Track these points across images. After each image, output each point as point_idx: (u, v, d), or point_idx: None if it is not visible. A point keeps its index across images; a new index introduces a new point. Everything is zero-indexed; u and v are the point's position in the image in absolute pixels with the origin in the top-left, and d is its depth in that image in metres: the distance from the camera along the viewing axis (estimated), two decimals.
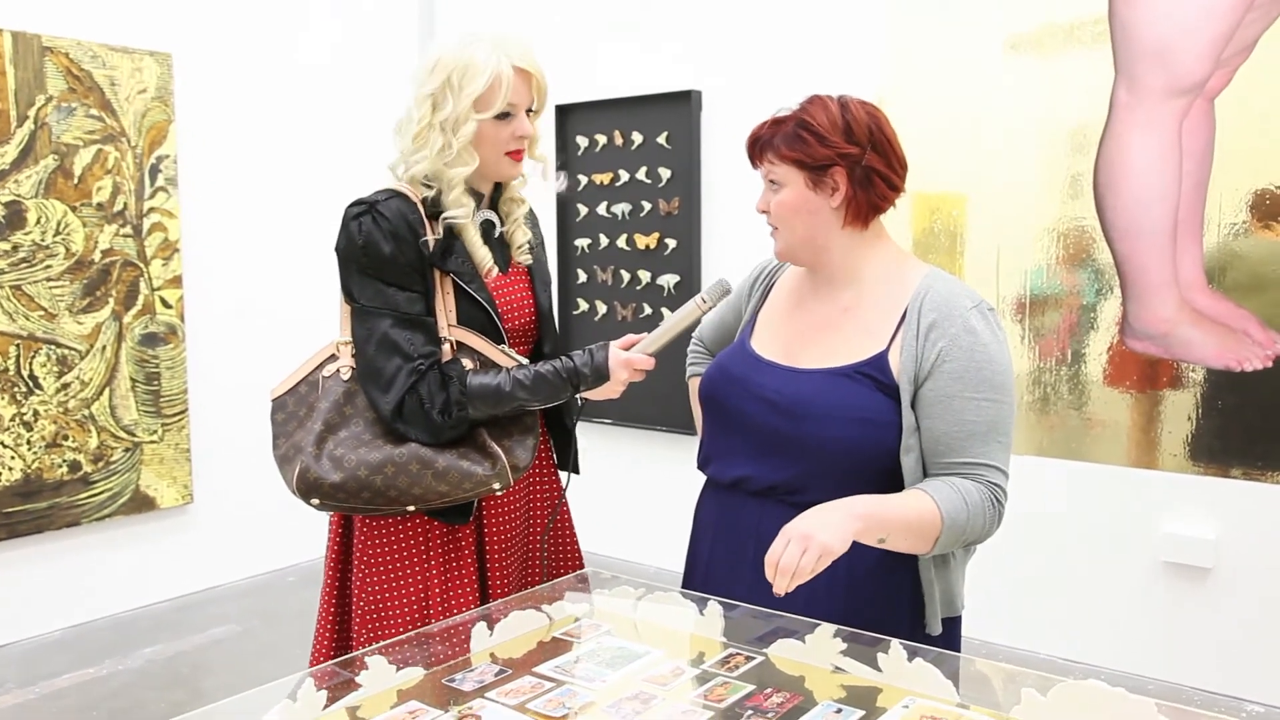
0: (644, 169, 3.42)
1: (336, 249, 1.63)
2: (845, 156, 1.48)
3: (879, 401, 1.47)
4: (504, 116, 1.63)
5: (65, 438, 3.00)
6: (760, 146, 1.52)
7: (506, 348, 1.66)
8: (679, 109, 3.32)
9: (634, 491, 3.34)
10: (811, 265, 1.58)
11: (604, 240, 3.54)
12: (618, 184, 3.48)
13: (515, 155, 1.67)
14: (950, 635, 1.55)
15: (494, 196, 1.75)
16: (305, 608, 3.38)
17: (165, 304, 3.20)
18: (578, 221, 3.61)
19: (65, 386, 2.99)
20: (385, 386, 1.59)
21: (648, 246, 3.44)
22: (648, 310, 3.45)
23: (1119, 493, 2.62)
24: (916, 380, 1.46)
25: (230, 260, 3.41)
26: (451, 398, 1.58)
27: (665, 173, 3.38)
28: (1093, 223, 2.64)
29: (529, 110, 1.66)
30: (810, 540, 1.30)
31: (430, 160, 1.61)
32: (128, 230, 3.11)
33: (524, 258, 1.76)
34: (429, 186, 1.64)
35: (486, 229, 1.71)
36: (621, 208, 3.48)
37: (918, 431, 1.46)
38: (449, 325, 1.63)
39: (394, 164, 1.68)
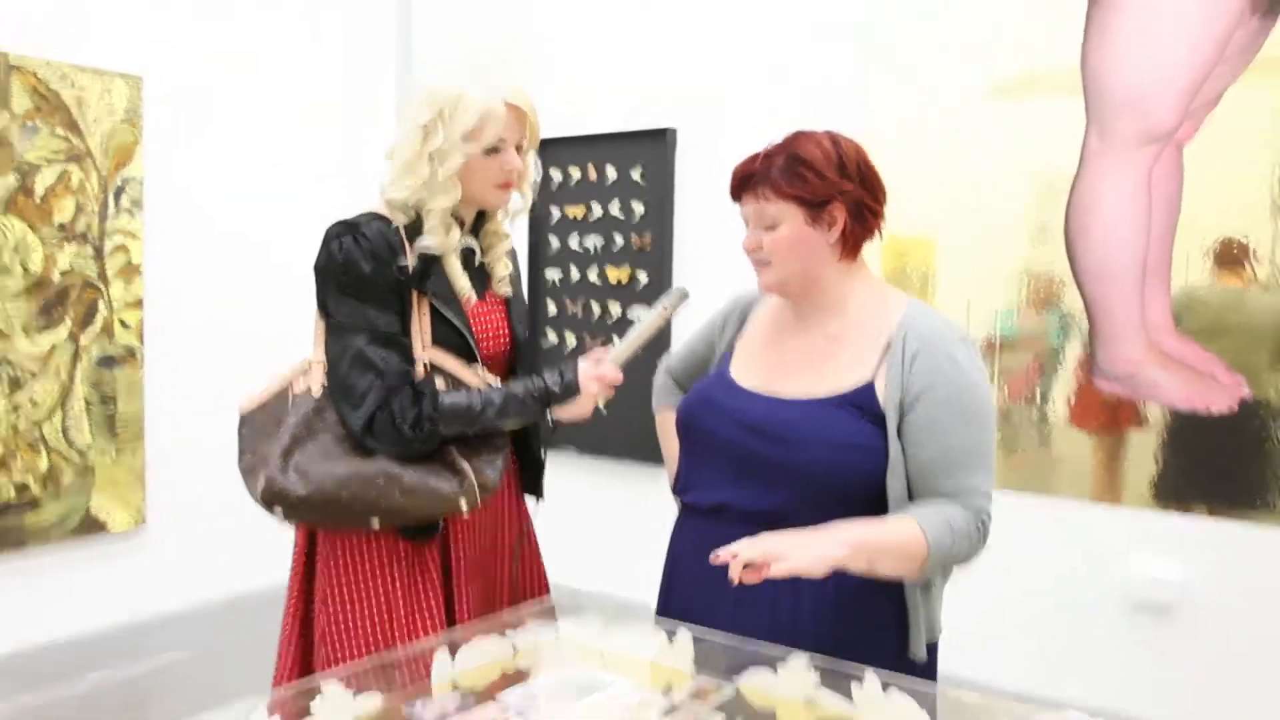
0: (617, 203, 3.42)
1: (315, 267, 1.63)
2: (843, 192, 1.49)
3: (863, 428, 1.47)
4: (493, 151, 1.64)
5: (14, 459, 2.91)
6: (753, 182, 1.51)
7: (480, 369, 1.65)
8: (654, 146, 3.32)
9: (595, 521, 3.30)
10: (800, 297, 1.58)
11: (575, 273, 3.52)
12: (590, 218, 3.47)
13: (504, 186, 1.68)
14: (930, 660, 1.53)
15: (475, 225, 1.75)
16: (259, 634, 3.29)
17: (124, 325, 3.14)
18: (549, 254, 3.59)
19: (16, 407, 2.91)
20: (356, 402, 1.57)
21: (619, 280, 3.43)
22: (618, 343, 3.42)
23: (1085, 531, 2.62)
24: (902, 408, 1.47)
25: (193, 284, 3.35)
26: (424, 413, 1.57)
27: (638, 208, 3.37)
28: (1060, 268, 2.66)
29: (520, 146, 1.68)
30: (781, 557, 1.29)
31: (414, 189, 1.63)
32: (89, 251, 3.05)
33: (504, 289, 1.77)
34: (408, 214, 1.64)
35: (466, 255, 1.71)
36: (594, 241, 3.47)
37: (903, 459, 1.46)
38: (424, 346, 1.62)
39: (383, 187, 1.68)
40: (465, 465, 1.60)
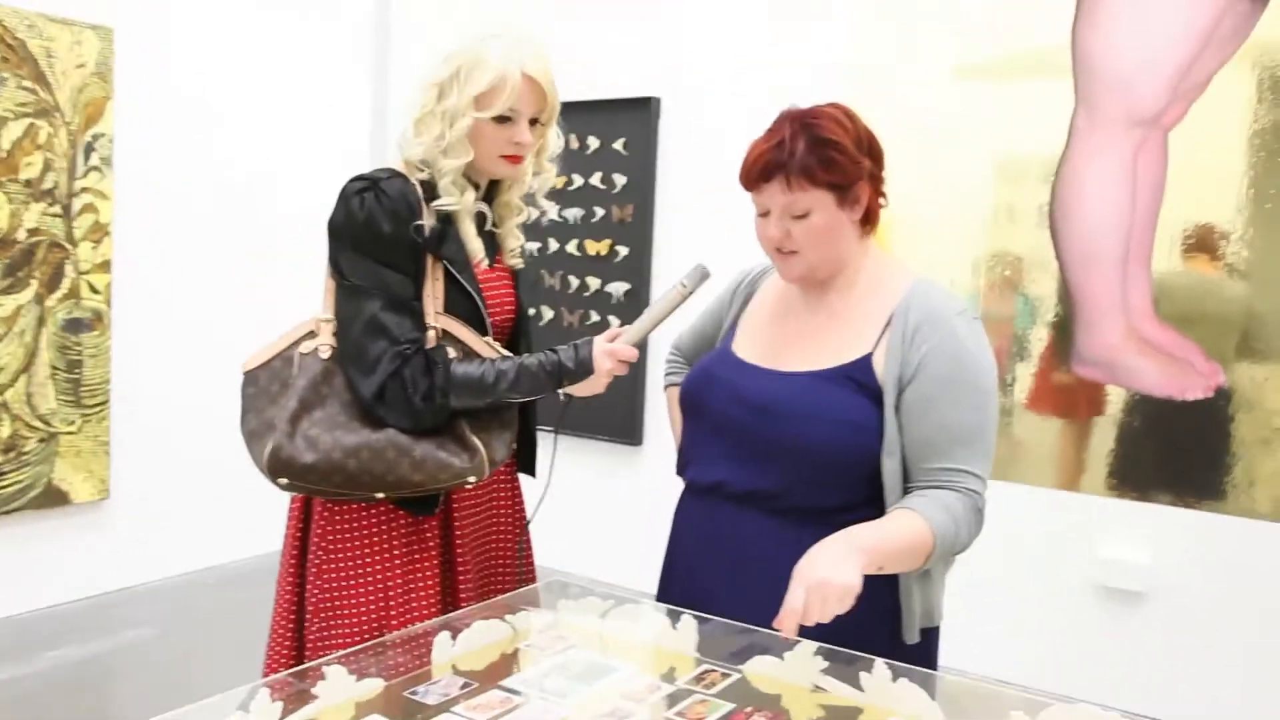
0: (598, 174, 3.37)
1: (331, 223, 1.58)
2: (868, 172, 1.48)
3: (860, 404, 1.46)
4: (505, 120, 1.60)
5: None
6: (782, 172, 1.44)
7: (491, 340, 1.62)
8: (638, 115, 3.28)
9: (581, 503, 3.28)
10: (826, 278, 1.56)
11: (554, 245, 3.48)
12: (570, 188, 3.43)
13: (511, 159, 1.64)
14: (928, 646, 1.53)
15: (489, 192, 1.72)
16: (226, 611, 3.25)
17: (93, 289, 3.05)
18: (528, 225, 3.53)
19: None
20: (369, 369, 1.53)
21: (598, 253, 3.39)
22: (595, 317, 3.40)
23: (1052, 517, 2.64)
24: (900, 384, 1.45)
25: (164, 247, 3.26)
26: (436, 384, 1.54)
27: (620, 179, 3.33)
28: (1026, 253, 2.67)
29: (535, 120, 1.64)
30: (829, 586, 1.27)
31: (427, 147, 1.59)
32: (56, 210, 2.95)
33: (514, 260, 1.75)
34: (425, 171, 1.60)
35: (478, 221, 1.68)
36: (573, 213, 3.43)
37: (900, 436, 1.45)
38: (436, 313, 1.59)
39: (399, 143, 1.65)
40: (476, 440, 1.57)
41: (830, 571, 1.28)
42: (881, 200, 1.54)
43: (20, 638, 2.92)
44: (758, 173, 1.47)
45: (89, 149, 3.01)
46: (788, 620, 1.27)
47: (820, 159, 1.43)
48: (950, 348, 1.45)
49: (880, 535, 1.37)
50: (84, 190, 3.01)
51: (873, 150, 1.51)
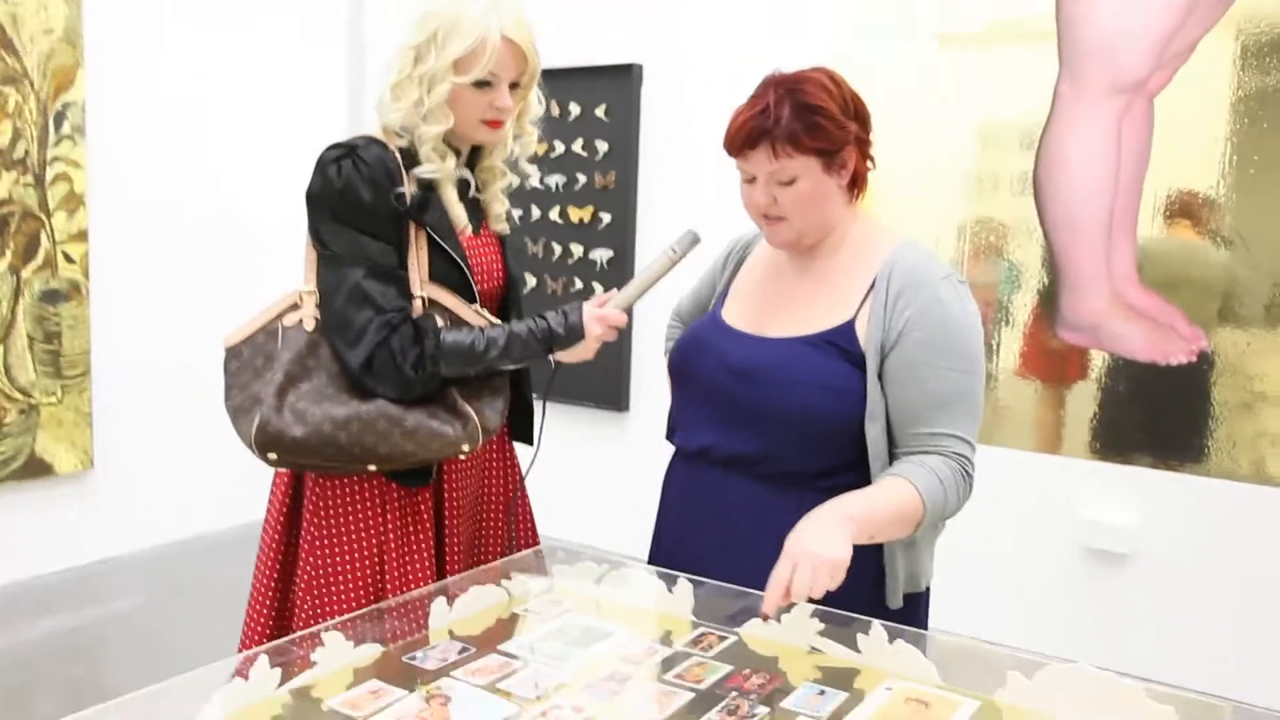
0: (580, 141, 3.35)
1: (309, 192, 1.55)
2: (854, 136, 1.47)
3: (843, 369, 1.46)
4: (484, 85, 1.56)
5: None
6: (768, 139, 1.43)
7: (479, 307, 1.60)
8: (619, 82, 3.25)
9: (568, 470, 3.28)
10: (814, 244, 1.55)
11: (536, 212, 3.45)
12: (552, 155, 3.40)
13: (492, 124, 1.61)
14: (914, 610, 1.54)
15: (471, 159, 1.69)
16: (212, 579, 3.23)
17: (69, 259, 3.00)
18: (510, 192, 3.51)
19: None
20: (354, 340, 1.51)
21: (581, 220, 3.37)
22: (579, 284, 3.38)
23: (1037, 481, 2.66)
24: (883, 349, 1.45)
25: (140, 215, 3.21)
26: (425, 352, 1.52)
27: (602, 146, 3.31)
28: (1009, 219, 2.67)
29: (515, 84, 1.61)
30: (819, 560, 1.27)
31: (405, 113, 1.56)
32: (29, 179, 2.90)
33: (500, 226, 1.72)
34: (404, 137, 1.57)
35: (462, 188, 1.65)
36: (555, 180, 3.40)
37: (884, 401, 1.45)
38: (421, 281, 1.56)
39: (377, 108, 1.61)
40: (468, 408, 1.56)
41: (820, 545, 1.28)
42: (869, 164, 1.53)
43: (5, 609, 2.90)
44: (743, 139, 1.45)
45: (60, 117, 2.96)
46: (771, 595, 1.27)
47: (806, 125, 1.42)
48: (934, 312, 1.44)
49: (870, 504, 1.37)
50: (56, 159, 2.96)
51: (859, 114, 1.49)
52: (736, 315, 1.59)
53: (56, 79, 2.95)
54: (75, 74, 2.99)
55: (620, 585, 1.55)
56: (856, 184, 1.53)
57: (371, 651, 1.31)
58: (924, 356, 1.43)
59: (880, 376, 1.44)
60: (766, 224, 1.51)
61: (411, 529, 1.62)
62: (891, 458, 1.46)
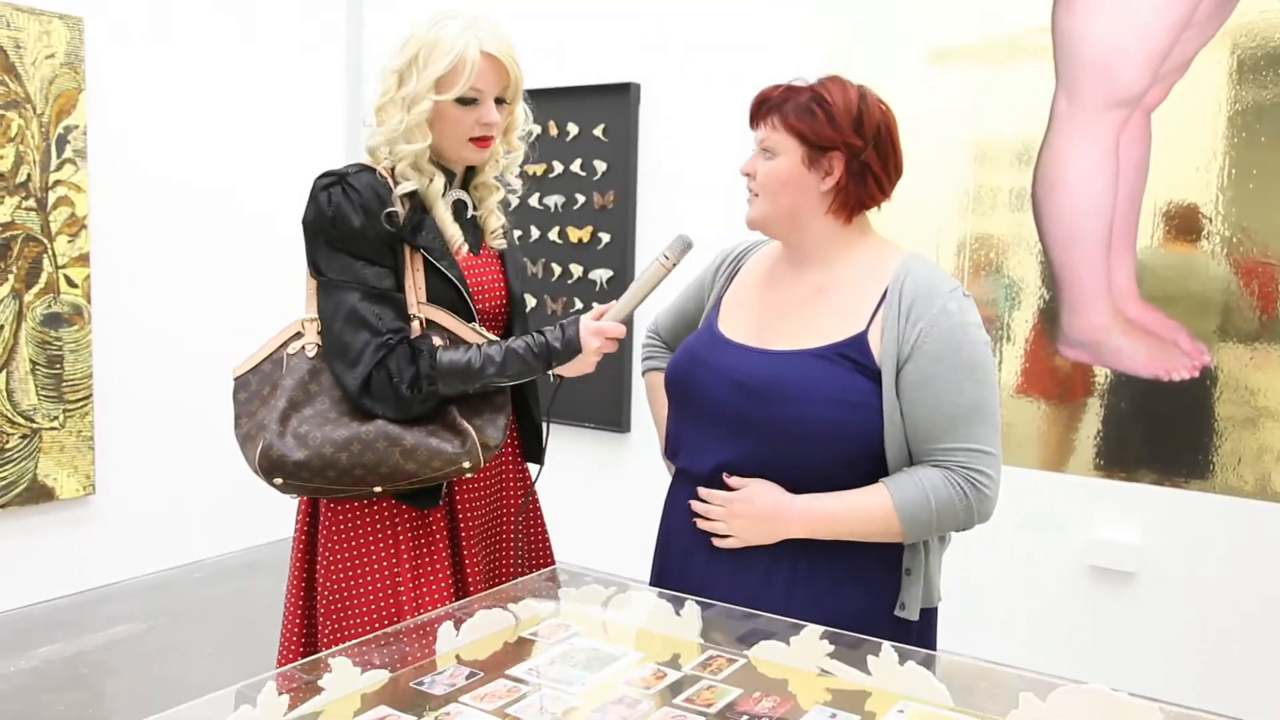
0: (579, 161, 3.36)
1: (304, 221, 1.56)
2: (848, 145, 1.46)
3: (859, 383, 1.44)
4: (468, 102, 1.57)
5: None
6: (766, 109, 1.48)
7: (477, 325, 1.60)
8: (617, 101, 3.27)
9: (570, 491, 3.27)
10: (782, 240, 1.55)
11: (535, 232, 3.46)
12: (551, 175, 3.41)
13: (479, 142, 1.61)
14: (928, 626, 1.53)
15: (466, 178, 1.69)
16: (214, 605, 3.23)
17: (70, 283, 3.01)
18: (509, 213, 3.52)
19: None
20: (352, 362, 1.51)
21: (580, 240, 3.38)
22: (579, 304, 3.39)
23: (1042, 499, 2.66)
24: (899, 361, 1.44)
25: (141, 239, 3.22)
26: (421, 372, 1.52)
27: (601, 165, 3.32)
28: (1005, 236, 2.68)
29: (500, 100, 1.61)
30: (749, 528, 1.45)
31: (387, 136, 1.56)
32: (31, 203, 2.91)
33: (498, 242, 1.72)
34: (389, 159, 1.59)
35: (458, 209, 1.65)
36: (555, 200, 3.41)
37: (901, 415, 1.44)
38: (418, 302, 1.57)
39: (365, 136, 1.62)
40: (467, 425, 1.55)
41: (747, 527, 1.46)
42: (871, 192, 1.51)
43: (8, 634, 2.90)
44: (753, 108, 1.51)
45: (62, 141, 2.97)
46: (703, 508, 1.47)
47: (798, 105, 1.45)
48: (945, 325, 1.43)
49: (829, 506, 1.44)
50: (58, 183, 2.97)
51: (878, 142, 1.48)
52: (734, 328, 1.57)
53: (58, 103, 2.96)
54: (77, 98, 3.00)
55: (627, 608, 1.53)
56: (847, 205, 1.50)
57: (379, 677, 1.30)
58: (938, 370, 1.42)
59: (896, 390, 1.44)
60: (748, 200, 1.53)
61: (425, 552, 1.61)
62: None
